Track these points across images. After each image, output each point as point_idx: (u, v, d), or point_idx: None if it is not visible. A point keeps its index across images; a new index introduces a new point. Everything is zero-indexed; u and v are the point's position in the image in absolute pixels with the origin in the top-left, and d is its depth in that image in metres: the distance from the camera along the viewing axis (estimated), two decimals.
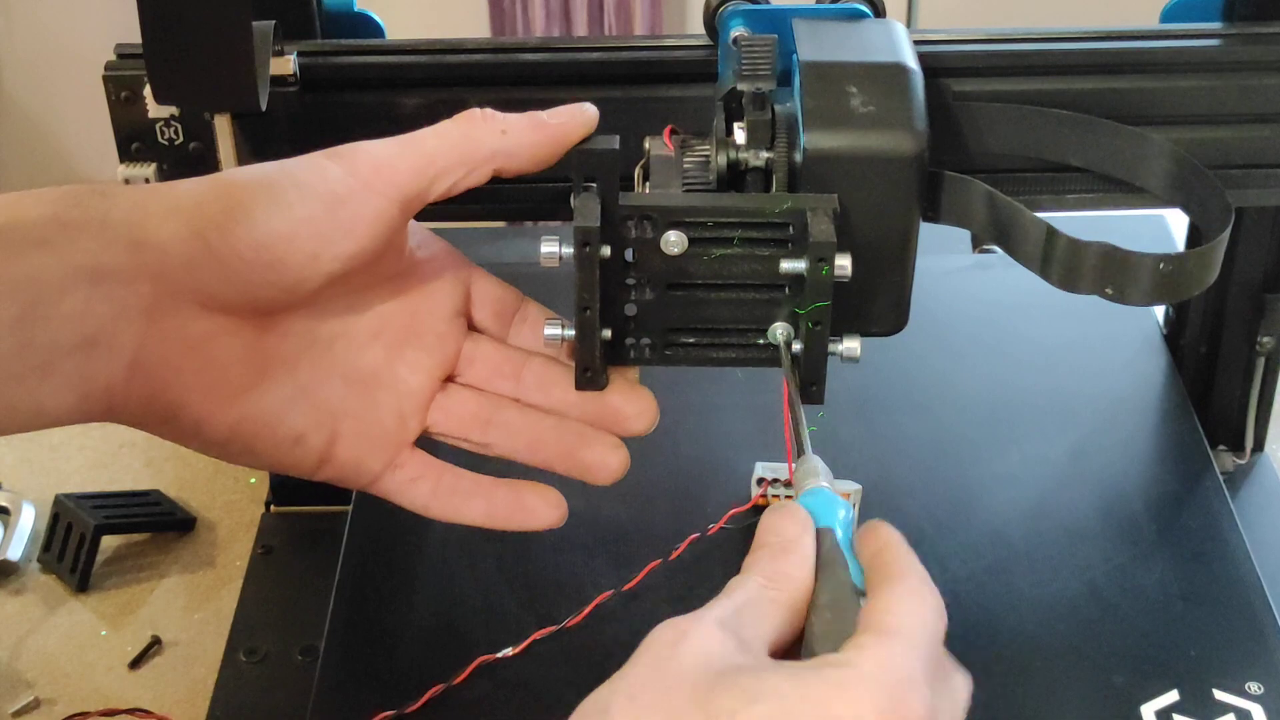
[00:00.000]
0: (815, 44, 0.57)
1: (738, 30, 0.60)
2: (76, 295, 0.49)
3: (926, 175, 0.55)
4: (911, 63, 0.56)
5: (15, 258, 0.49)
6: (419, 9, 1.91)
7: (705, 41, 0.63)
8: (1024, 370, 0.82)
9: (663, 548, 0.70)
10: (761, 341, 0.55)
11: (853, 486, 0.71)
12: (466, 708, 0.64)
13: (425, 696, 0.64)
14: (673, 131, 0.57)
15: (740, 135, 0.56)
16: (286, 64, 0.62)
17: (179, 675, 0.75)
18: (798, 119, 0.54)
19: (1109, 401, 0.80)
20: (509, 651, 0.66)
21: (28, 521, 0.83)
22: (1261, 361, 0.81)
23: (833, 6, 0.61)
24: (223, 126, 0.62)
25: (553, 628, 0.67)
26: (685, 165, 0.56)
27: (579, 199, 0.52)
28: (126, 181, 0.63)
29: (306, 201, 0.52)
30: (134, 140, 0.64)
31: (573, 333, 0.55)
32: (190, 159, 0.63)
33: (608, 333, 0.55)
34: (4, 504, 0.84)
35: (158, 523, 0.83)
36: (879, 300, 0.57)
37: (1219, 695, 0.63)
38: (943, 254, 0.90)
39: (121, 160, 0.64)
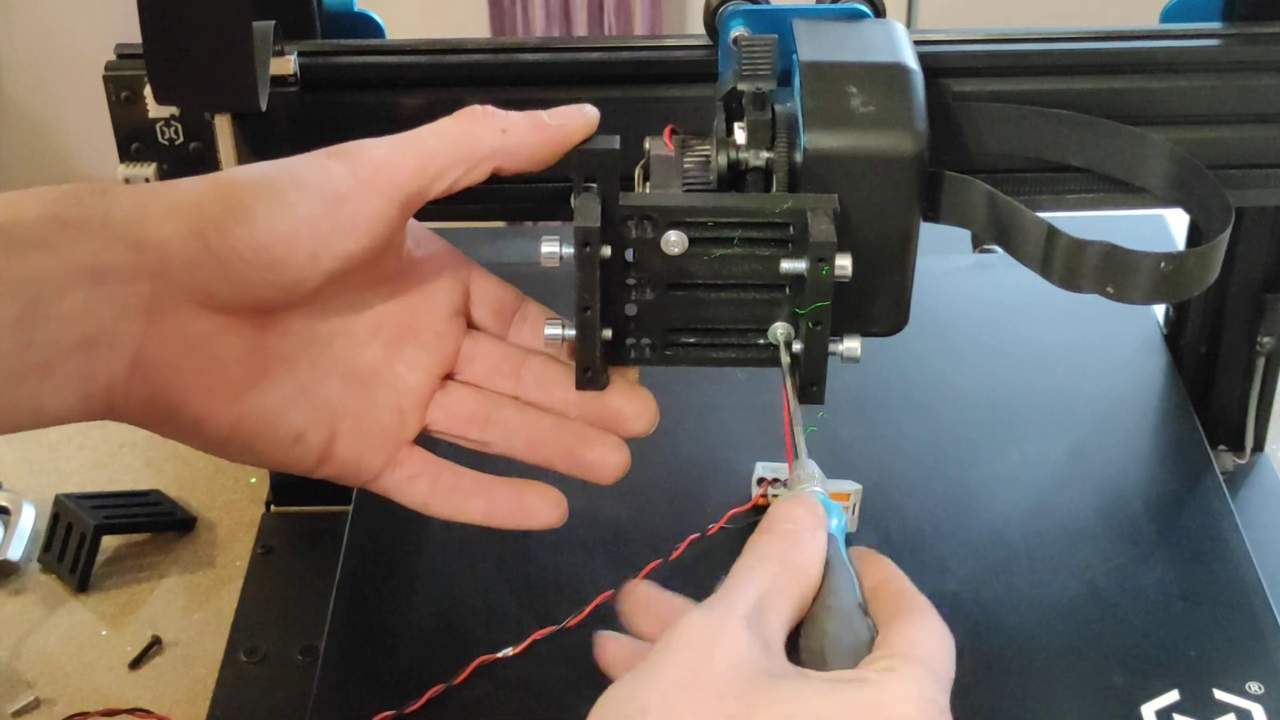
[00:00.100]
0: (815, 44, 0.57)
1: (738, 30, 0.61)
2: (77, 295, 0.49)
3: (926, 175, 0.55)
4: (912, 63, 0.56)
5: (15, 257, 0.48)
6: (419, 9, 1.91)
7: (705, 41, 0.63)
8: (1024, 370, 0.82)
9: (663, 548, 0.70)
10: (762, 341, 0.55)
11: (852, 486, 0.71)
12: (466, 708, 0.64)
13: (425, 696, 0.64)
14: (673, 131, 0.57)
15: (740, 135, 0.56)
16: (286, 64, 0.62)
17: (179, 675, 0.75)
18: (798, 119, 0.54)
19: (1109, 401, 0.80)
20: (509, 651, 0.66)
21: (28, 521, 0.83)
22: (1261, 361, 0.81)
23: (833, 6, 0.61)
24: (223, 126, 0.62)
25: (553, 628, 0.67)
26: (685, 165, 0.56)
27: (579, 199, 0.52)
28: (127, 181, 0.63)
29: (307, 201, 0.52)
30: (134, 140, 0.64)
31: (573, 332, 0.55)
32: (190, 159, 0.64)
33: (608, 333, 0.55)
34: (4, 504, 0.84)
35: (158, 523, 0.83)
36: (879, 300, 0.57)
37: (1219, 695, 0.63)
38: (943, 254, 0.90)
39: (122, 160, 0.64)
